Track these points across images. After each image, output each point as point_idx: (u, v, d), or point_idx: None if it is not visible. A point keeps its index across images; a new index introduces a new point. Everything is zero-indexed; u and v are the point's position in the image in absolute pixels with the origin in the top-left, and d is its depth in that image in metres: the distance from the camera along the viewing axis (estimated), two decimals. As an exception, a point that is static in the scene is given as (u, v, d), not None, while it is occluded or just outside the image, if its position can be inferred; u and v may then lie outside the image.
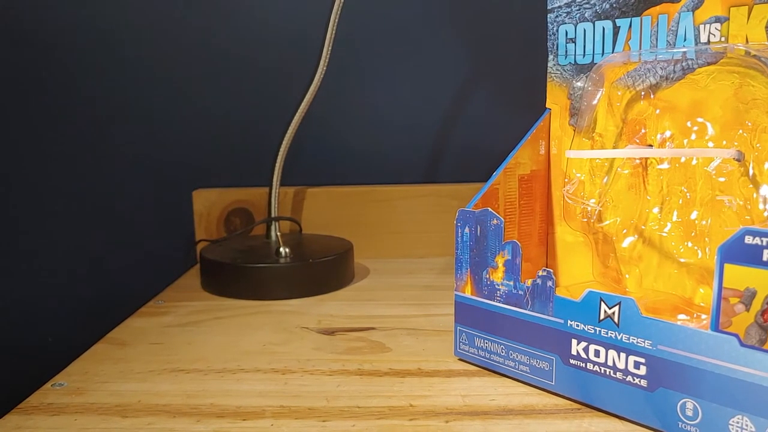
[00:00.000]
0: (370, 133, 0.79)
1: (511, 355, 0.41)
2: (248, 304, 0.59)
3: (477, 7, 0.76)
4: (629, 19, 0.44)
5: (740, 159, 0.39)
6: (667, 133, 0.43)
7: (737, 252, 0.30)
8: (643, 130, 0.45)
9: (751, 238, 0.30)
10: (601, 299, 0.36)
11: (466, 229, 0.43)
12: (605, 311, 0.36)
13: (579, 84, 0.47)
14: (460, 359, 0.45)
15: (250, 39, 0.77)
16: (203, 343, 0.49)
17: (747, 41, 0.39)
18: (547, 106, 0.50)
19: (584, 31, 0.47)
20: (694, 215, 0.42)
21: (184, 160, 0.79)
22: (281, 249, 0.63)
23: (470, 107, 0.78)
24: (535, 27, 0.76)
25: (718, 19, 0.40)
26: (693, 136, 0.42)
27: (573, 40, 0.47)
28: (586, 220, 0.48)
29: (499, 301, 0.41)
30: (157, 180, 0.79)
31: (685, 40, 0.42)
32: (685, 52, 0.42)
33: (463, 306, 0.43)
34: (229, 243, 0.70)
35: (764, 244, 0.30)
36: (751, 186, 0.39)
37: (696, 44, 0.41)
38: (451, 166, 0.79)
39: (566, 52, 0.48)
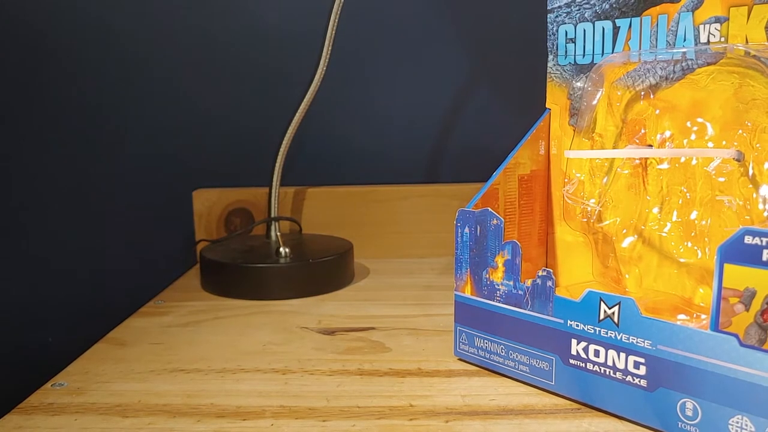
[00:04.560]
0: (370, 133, 0.79)
1: (511, 355, 0.41)
2: (248, 304, 0.59)
3: (477, 7, 0.76)
4: (629, 19, 0.44)
5: (740, 159, 0.39)
6: (667, 133, 0.43)
7: (737, 252, 0.30)
8: (642, 130, 0.45)
9: (751, 238, 0.30)
10: (601, 299, 0.36)
11: (466, 229, 0.43)
12: (605, 311, 0.36)
13: (579, 84, 0.47)
14: (460, 359, 0.45)
15: (251, 39, 0.77)
16: (203, 343, 0.49)
17: (747, 41, 0.39)
18: (547, 106, 0.50)
19: (584, 31, 0.47)
20: (693, 215, 0.43)
21: (184, 160, 0.79)
22: (281, 249, 0.63)
23: (470, 107, 0.78)
24: (535, 27, 0.76)
25: (717, 20, 0.40)
26: (693, 136, 0.42)
27: (573, 40, 0.47)
28: (585, 220, 0.48)
29: (499, 301, 0.41)
30: (157, 180, 0.79)
31: (684, 40, 0.42)
32: (684, 53, 0.42)
33: (463, 306, 0.43)
34: (229, 243, 0.70)
35: (764, 244, 0.30)
36: (750, 186, 0.39)
37: (696, 44, 0.41)
38: (451, 166, 0.79)
39: (566, 52, 0.48)
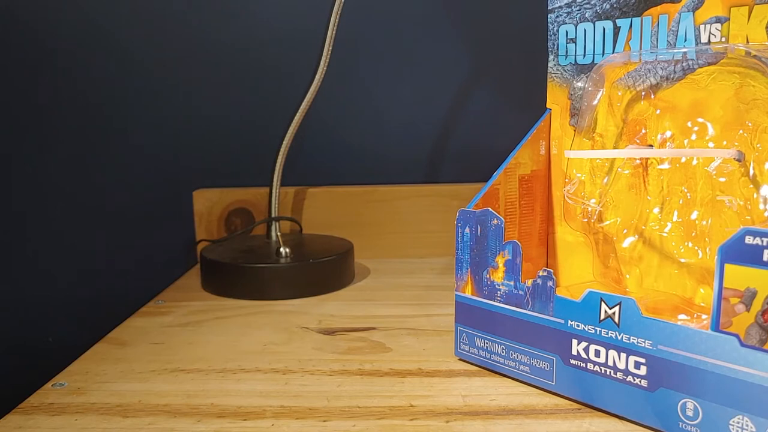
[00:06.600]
0: (370, 133, 0.79)
1: (512, 355, 0.41)
2: (249, 304, 0.59)
3: (477, 6, 0.76)
4: (630, 19, 0.44)
5: (741, 159, 0.39)
6: (668, 134, 0.43)
7: (738, 252, 0.30)
8: (643, 131, 0.45)
9: (752, 238, 0.30)
10: (602, 299, 0.36)
11: (467, 229, 0.43)
12: (606, 311, 0.36)
13: (579, 84, 0.47)
14: (461, 359, 0.45)
15: (251, 39, 0.77)
16: (204, 343, 0.49)
17: (747, 41, 0.39)
18: (547, 106, 0.50)
19: (585, 31, 0.47)
20: (694, 215, 0.42)
21: (184, 160, 0.79)
22: (282, 249, 0.63)
23: (470, 107, 0.78)
24: (535, 27, 0.76)
25: (718, 20, 0.40)
26: (693, 137, 0.42)
27: (573, 41, 0.47)
28: (586, 220, 0.48)
29: (500, 301, 0.41)
30: (157, 180, 0.79)
31: (685, 40, 0.42)
32: (685, 53, 0.42)
33: (464, 306, 0.43)
34: (230, 243, 0.70)
35: (764, 244, 0.30)
36: (751, 186, 0.39)
37: (696, 44, 0.41)
38: (451, 166, 0.79)
39: (567, 52, 0.48)
